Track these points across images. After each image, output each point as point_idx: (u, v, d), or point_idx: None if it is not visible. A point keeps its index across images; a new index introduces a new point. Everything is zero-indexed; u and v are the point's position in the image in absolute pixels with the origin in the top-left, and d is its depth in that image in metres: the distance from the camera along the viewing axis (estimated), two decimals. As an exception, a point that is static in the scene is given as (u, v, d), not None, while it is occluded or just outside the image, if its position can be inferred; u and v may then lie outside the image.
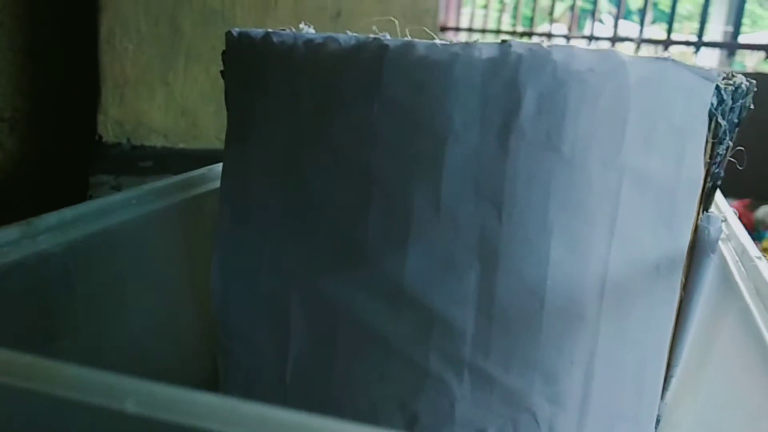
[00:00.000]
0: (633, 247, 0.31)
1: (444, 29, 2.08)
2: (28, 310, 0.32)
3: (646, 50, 1.82)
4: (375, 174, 0.32)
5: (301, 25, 0.35)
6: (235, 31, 0.37)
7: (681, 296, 0.35)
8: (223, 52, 0.38)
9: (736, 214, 0.41)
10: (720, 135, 0.33)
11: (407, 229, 0.31)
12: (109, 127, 0.98)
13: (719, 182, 0.35)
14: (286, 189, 0.35)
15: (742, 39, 1.86)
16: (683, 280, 0.34)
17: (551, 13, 2.33)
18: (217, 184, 0.39)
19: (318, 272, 0.34)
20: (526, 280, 0.30)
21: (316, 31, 0.36)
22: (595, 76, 0.29)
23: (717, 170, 0.34)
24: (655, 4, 2.69)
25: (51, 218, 0.33)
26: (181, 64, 1.00)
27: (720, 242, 0.36)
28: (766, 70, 1.76)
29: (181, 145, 1.01)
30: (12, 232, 0.31)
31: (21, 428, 0.19)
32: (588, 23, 2.47)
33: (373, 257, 0.32)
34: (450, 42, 0.30)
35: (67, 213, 0.34)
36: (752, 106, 0.34)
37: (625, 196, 0.30)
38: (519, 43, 0.29)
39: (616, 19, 1.98)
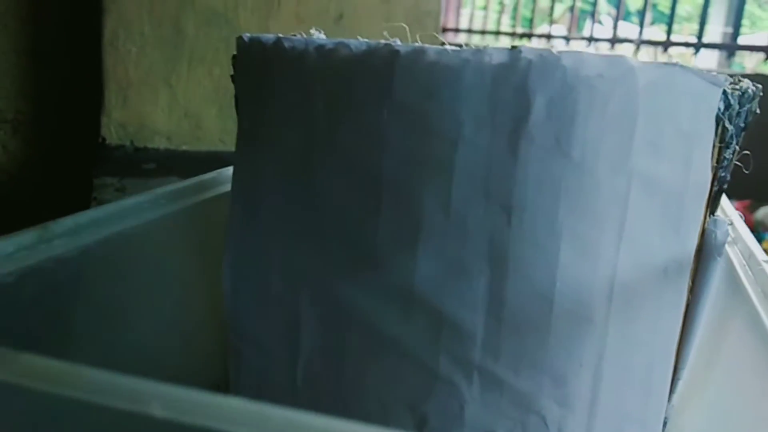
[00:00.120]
0: (641, 251, 0.32)
1: (444, 30, 2.08)
2: (45, 313, 0.32)
3: (646, 51, 1.82)
4: (385, 178, 0.32)
5: (312, 30, 0.35)
6: (246, 36, 0.37)
7: (688, 299, 0.35)
8: (234, 57, 0.38)
9: (742, 217, 0.42)
10: (727, 139, 0.33)
11: (417, 232, 0.31)
12: (113, 129, 0.98)
13: (725, 186, 0.35)
14: (297, 192, 0.35)
15: (741, 40, 1.86)
16: (690, 283, 0.34)
17: (550, 14, 2.33)
18: (228, 187, 0.40)
19: (328, 275, 0.34)
20: (535, 284, 0.31)
21: (319, 34, 0.37)
22: (604, 82, 0.29)
23: (724, 174, 0.35)
24: (654, 6, 2.69)
25: (66, 222, 0.33)
26: (184, 66, 1.00)
27: (726, 245, 0.36)
28: (766, 71, 1.76)
29: (185, 147, 1.01)
30: (28, 236, 0.31)
31: (44, 432, 0.20)
32: (587, 24, 2.47)
33: (383, 260, 0.32)
34: (460, 47, 0.30)
35: (82, 217, 0.34)
36: (758, 111, 0.34)
37: (634, 200, 0.31)
38: (529, 49, 0.29)
39: (616, 20, 1.98)
